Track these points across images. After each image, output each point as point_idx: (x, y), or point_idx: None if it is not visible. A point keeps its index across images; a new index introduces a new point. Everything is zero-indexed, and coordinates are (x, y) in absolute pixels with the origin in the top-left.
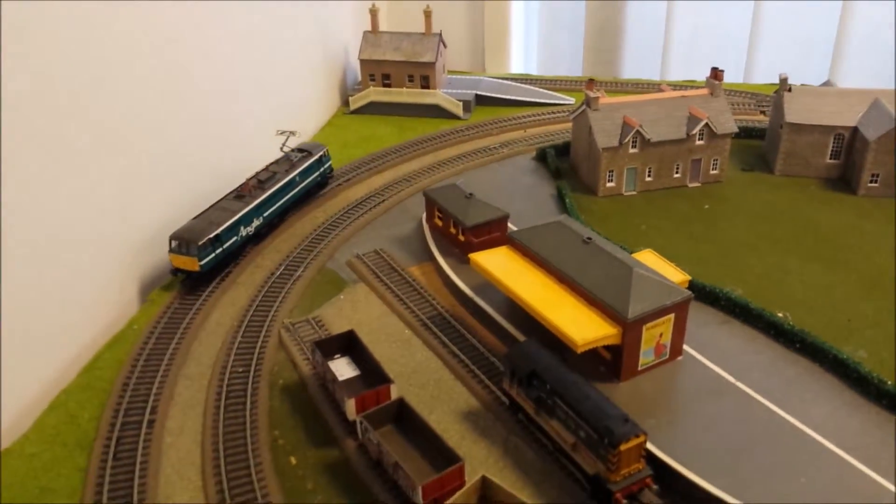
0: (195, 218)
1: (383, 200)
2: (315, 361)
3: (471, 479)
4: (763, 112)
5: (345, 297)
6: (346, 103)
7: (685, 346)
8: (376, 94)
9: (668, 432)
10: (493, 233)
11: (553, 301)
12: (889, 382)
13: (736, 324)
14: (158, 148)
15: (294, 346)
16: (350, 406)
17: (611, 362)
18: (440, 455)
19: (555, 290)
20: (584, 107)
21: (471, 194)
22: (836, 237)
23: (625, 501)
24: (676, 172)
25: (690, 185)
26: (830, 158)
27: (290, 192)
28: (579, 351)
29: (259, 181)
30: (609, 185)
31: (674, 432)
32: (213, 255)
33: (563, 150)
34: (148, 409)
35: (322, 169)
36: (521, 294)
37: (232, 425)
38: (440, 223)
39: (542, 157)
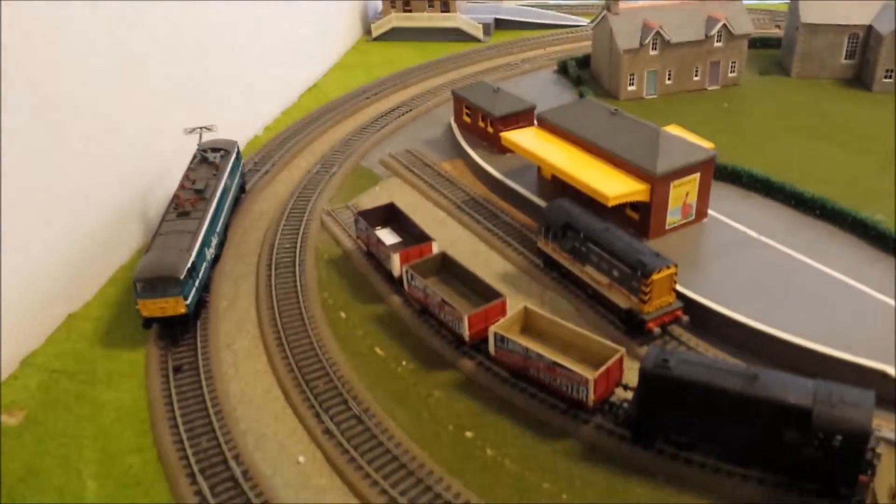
0: (149, 251)
1: (410, 110)
2: (359, 230)
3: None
4: (778, 26)
5: (380, 188)
6: (368, 32)
7: (710, 211)
8: (398, 19)
9: (697, 276)
10: (520, 123)
11: (583, 165)
12: None
13: (758, 198)
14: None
15: (336, 228)
16: (395, 261)
17: (639, 222)
18: (483, 296)
19: (584, 158)
20: (604, 13)
21: (498, 88)
22: (853, 125)
23: (657, 330)
24: (696, 75)
25: (709, 88)
26: (846, 59)
27: (227, 201)
28: (610, 204)
29: (196, 191)
30: (630, 88)
31: (702, 276)
32: (195, 289)
33: (584, 62)
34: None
35: (241, 170)
36: (552, 161)
37: (283, 288)
38: (468, 120)
39: (563, 69)
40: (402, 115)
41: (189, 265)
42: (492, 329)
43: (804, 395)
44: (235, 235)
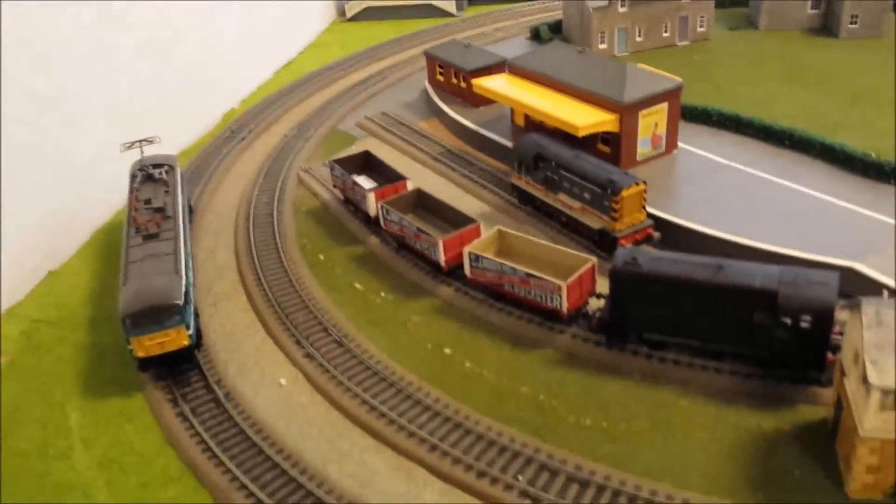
0: (127, 283)
1: (385, 78)
2: (335, 177)
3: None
4: None
5: (356, 147)
6: (342, 13)
7: (680, 144)
8: None
9: (668, 200)
10: (492, 76)
11: (553, 102)
12: (873, 155)
13: (728, 134)
14: None
15: (314, 183)
16: (370, 199)
17: (610, 155)
18: (458, 226)
19: (554, 96)
20: None
21: (468, 44)
22: (821, 69)
23: (628, 246)
24: (665, 31)
25: (680, 44)
26: (812, 9)
27: (186, 220)
28: (580, 134)
29: (156, 210)
30: (601, 46)
31: (673, 200)
32: (193, 316)
33: (556, 27)
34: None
35: (186, 186)
36: (523, 101)
37: (261, 237)
38: (442, 78)
39: (535, 34)
40: (377, 83)
41: (184, 289)
42: (466, 249)
43: (769, 279)
44: (213, 196)
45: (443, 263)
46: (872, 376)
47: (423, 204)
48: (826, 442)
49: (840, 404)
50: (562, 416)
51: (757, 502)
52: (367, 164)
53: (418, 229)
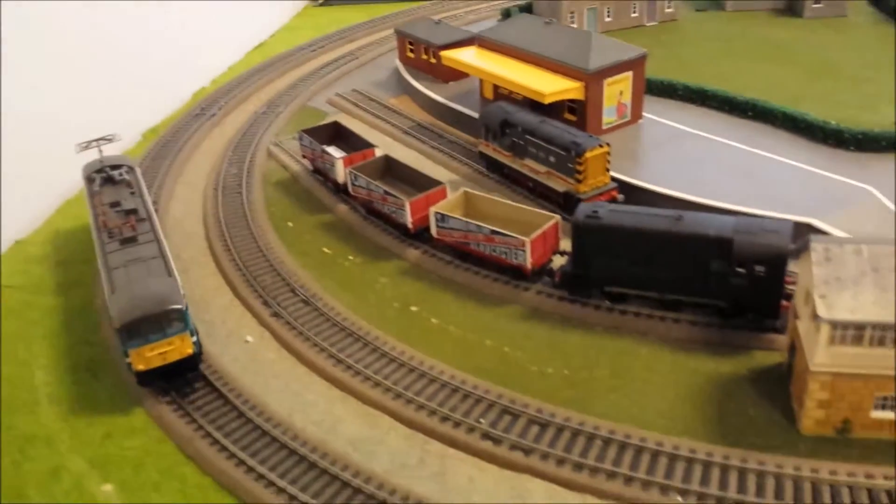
0: (116, 291)
1: (356, 58)
2: (304, 147)
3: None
4: None
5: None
6: None
7: (646, 114)
8: None
9: (634, 165)
10: None
11: (521, 72)
12: (833, 122)
13: (693, 107)
14: None
15: (283, 156)
16: (339, 166)
17: (576, 124)
18: (425, 188)
19: (522, 66)
20: None
21: (439, 21)
22: (784, 46)
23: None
24: (634, 12)
25: (648, 24)
26: None
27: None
28: (546, 101)
29: (128, 212)
30: (571, 26)
31: (638, 165)
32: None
33: (527, 8)
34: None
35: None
36: (491, 71)
37: (230, 206)
38: (412, 55)
39: (506, 15)
40: (348, 62)
41: (182, 292)
42: (433, 209)
43: (725, 228)
44: (183, 168)
45: (410, 225)
46: (822, 310)
47: (391, 170)
48: (781, 385)
49: (794, 349)
50: (525, 366)
51: (713, 440)
52: (337, 134)
53: (385, 192)
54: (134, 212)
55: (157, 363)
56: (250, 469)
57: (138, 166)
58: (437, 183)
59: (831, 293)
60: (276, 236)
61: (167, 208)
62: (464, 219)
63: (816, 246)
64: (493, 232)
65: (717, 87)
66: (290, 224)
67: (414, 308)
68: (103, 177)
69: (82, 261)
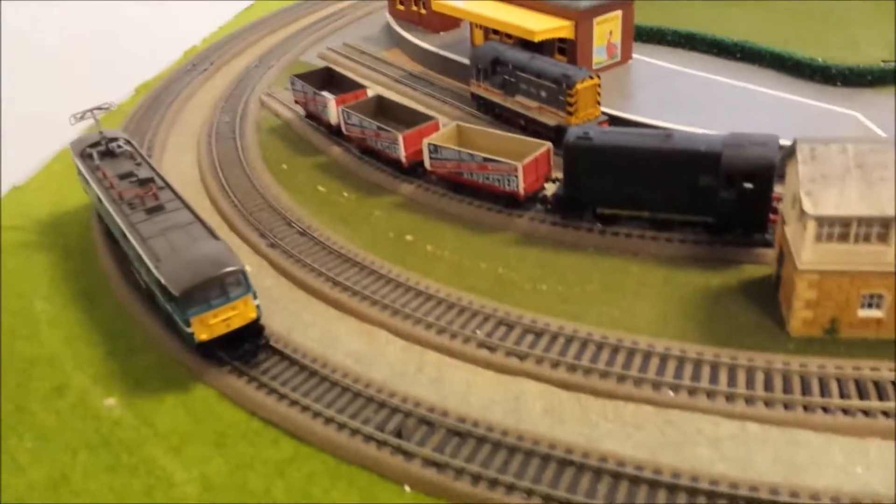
0: (162, 259)
1: (344, 16)
2: (296, 91)
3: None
4: None
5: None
6: None
7: (636, 55)
8: None
9: (624, 101)
10: None
11: (511, 13)
12: (819, 59)
13: (682, 51)
14: None
15: (276, 104)
16: (331, 106)
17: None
18: (418, 125)
19: (512, 8)
20: None
21: None
22: None
23: None
24: None
25: None
26: None
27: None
28: (536, 39)
29: (142, 181)
30: None
31: (629, 101)
32: None
33: None
34: (144, 150)
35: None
36: (481, 13)
37: (224, 151)
38: (402, 7)
39: None
40: (339, 19)
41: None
42: (425, 140)
43: (714, 143)
44: (175, 118)
45: (403, 160)
46: (807, 206)
47: (384, 110)
48: (770, 294)
49: (782, 258)
50: (519, 284)
51: (703, 343)
52: (329, 80)
53: (378, 127)
54: (151, 180)
55: (221, 331)
56: (252, 379)
57: (131, 127)
58: (429, 118)
59: (817, 190)
60: (271, 177)
61: (161, 156)
62: (456, 148)
63: (802, 145)
64: (486, 160)
65: (706, 32)
66: (284, 166)
67: (409, 237)
68: (100, 150)
69: (78, 201)
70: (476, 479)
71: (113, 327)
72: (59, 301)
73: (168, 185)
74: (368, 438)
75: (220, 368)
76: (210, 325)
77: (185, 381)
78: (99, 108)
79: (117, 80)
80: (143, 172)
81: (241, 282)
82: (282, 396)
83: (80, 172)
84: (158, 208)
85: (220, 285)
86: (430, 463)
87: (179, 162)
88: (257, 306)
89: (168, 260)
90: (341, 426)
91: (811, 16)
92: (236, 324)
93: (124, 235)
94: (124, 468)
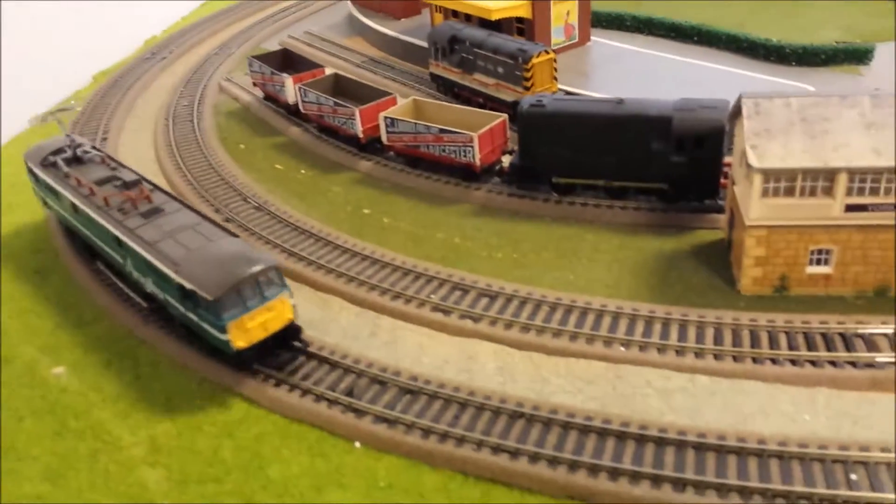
0: (184, 262)
1: (307, 6)
2: (254, 73)
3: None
4: None
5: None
6: None
7: (594, 38)
8: None
9: (582, 79)
10: None
11: None
12: (774, 40)
13: (641, 36)
14: None
15: (235, 89)
16: (289, 85)
17: None
18: (376, 100)
19: None
20: None
21: None
22: None
23: None
24: None
25: None
26: None
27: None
28: (493, 18)
29: (127, 184)
30: None
31: (587, 79)
32: None
33: None
34: (100, 133)
35: None
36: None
37: (182, 133)
38: None
39: None
40: (301, 9)
41: None
42: (382, 114)
43: (665, 107)
44: (133, 103)
45: (360, 135)
46: (752, 159)
47: (341, 87)
48: (722, 257)
49: (733, 221)
50: (475, 253)
51: (655, 302)
52: (287, 61)
53: (335, 103)
54: (138, 183)
55: (259, 335)
56: (203, 348)
57: (87, 112)
58: (386, 93)
59: (762, 144)
60: (229, 157)
61: (117, 138)
62: (412, 121)
63: (747, 101)
64: (442, 131)
65: (664, 16)
66: (241, 146)
67: (366, 210)
68: (66, 158)
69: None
70: (426, 432)
71: (63, 300)
72: (9, 276)
73: (157, 187)
74: (319, 398)
75: (168, 335)
76: (248, 329)
77: (135, 350)
78: (62, 110)
79: (75, 70)
80: (127, 175)
81: (276, 279)
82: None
83: (39, 184)
84: (155, 211)
85: (254, 285)
86: (380, 419)
87: (136, 143)
88: (293, 306)
89: (189, 263)
90: (292, 387)
91: (768, 5)
92: (274, 327)
93: (118, 243)
94: (71, 433)
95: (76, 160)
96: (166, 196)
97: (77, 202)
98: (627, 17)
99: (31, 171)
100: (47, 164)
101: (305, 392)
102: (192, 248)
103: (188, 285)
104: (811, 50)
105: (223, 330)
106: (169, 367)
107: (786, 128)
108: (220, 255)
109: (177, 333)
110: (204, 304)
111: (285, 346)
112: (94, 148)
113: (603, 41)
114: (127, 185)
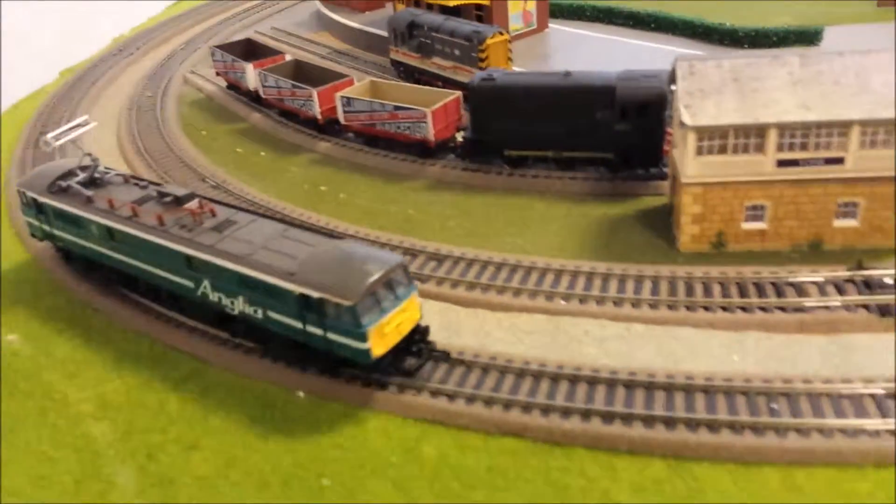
0: (302, 268)
1: (275, 5)
2: (216, 62)
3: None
4: None
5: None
6: None
7: (552, 25)
8: None
9: (540, 62)
10: None
11: None
12: (728, 24)
13: (601, 25)
14: None
15: (200, 80)
16: (249, 71)
17: None
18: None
19: None
20: None
21: None
22: None
23: None
24: None
25: None
26: None
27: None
28: (452, 4)
29: (178, 199)
30: None
31: (544, 61)
32: None
33: None
34: (63, 122)
35: None
36: None
37: (144, 122)
38: None
39: None
40: (269, 7)
41: None
42: (338, 94)
43: (609, 78)
44: (99, 95)
45: (319, 116)
46: (686, 118)
47: (302, 73)
48: (664, 220)
49: (675, 185)
50: (428, 223)
51: (598, 260)
52: (250, 50)
53: (294, 85)
54: (191, 197)
55: (394, 340)
56: (160, 315)
57: (52, 104)
58: (344, 76)
59: (695, 103)
60: (189, 142)
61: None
62: (368, 99)
63: (681, 62)
64: (396, 108)
65: (623, 4)
66: (203, 133)
67: (323, 188)
68: (82, 181)
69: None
70: (367, 382)
71: (22, 277)
72: None
73: (210, 199)
74: (264, 356)
75: (123, 304)
76: (385, 334)
77: (89, 319)
78: (79, 125)
79: (42, 67)
80: (175, 189)
81: (405, 278)
82: (180, 324)
83: (44, 214)
84: (227, 223)
85: (388, 285)
86: (323, 371)
87: (99, 132)
88: (420, 305)
89: (307, 271)
90: (236, 345)
91: None
92: (406, 329)
93: (187, 264)
94: (21, 393)
95: (94, 183)
96: (230, 207)
97: (115, 226)
98: (588, 7)
99: (31, 202)
100: (57, 191)
101: (250, 350)
102: (300, 256)
103: (314, 294)
104: (763, 32)
105: (363, 338)
106: (121, 332)
107: (718, 87)
108: (339, 258)
109: (130, 302)
110: (335, 313)
111: (413, 349)
112: (106, 169)
113: (562, 28)
114: (179, 200)
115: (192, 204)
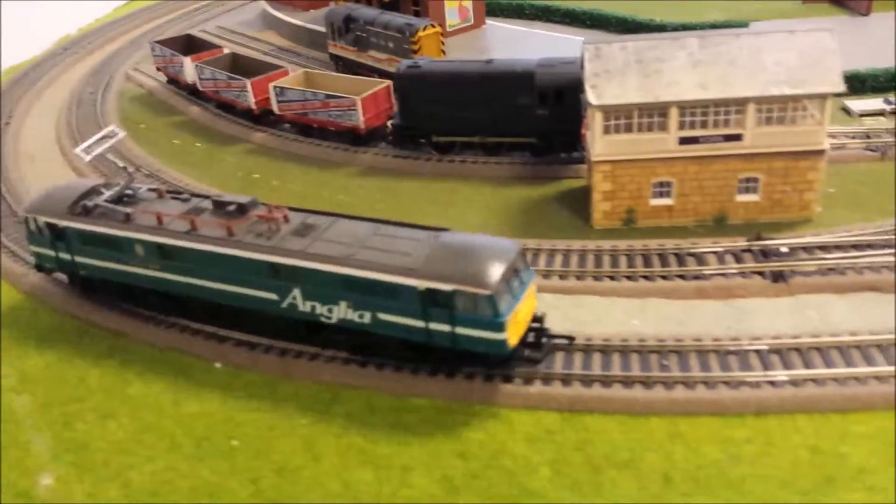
0: (417, 267)
1: (222, 5)
2: (157, 57)
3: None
4: None
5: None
6: None
7: (489, 21)
8: None
9: (475, 58)
10: None
11: None
12: (658, 19)
13: (539, 23)
14: None
15: (142, 77)
16: (187, 64)
17: None
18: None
19: None
20: None
21: None
22: None
23: None
24: None
25: None
26: None
27: None
28: None
29: (241, 206)
30: None
31: (480, 58)
32: None
33: None
34: (3, 119)
35: None
36: None
37: (84, 115)
38: None
39: None
40: (216, 7)
41: None
42: (271, 84)
43: (529, 65)
44: (41, 93)
45: (254, 106)
46: (592, 98)
47: (239, 66)
48: (582, 201)
49: (591, 167)
50: (357, 207)
51: (516, 237)
52: (190, 46)
53: (229, 77)
54: (256, 204)
55: (522, 329)
56: (81, 296)
57: None
58: (278, 67)
59: (601, 83)
60: (128, 135)
61: (21, 123)
62: (300, 88)
63: (588, 46)
64: (328, 96)
65: (560, 3)
66: (142, 126)
67: (256, 175)
68: (110, 199)
69: None
70: (282, 352)
71: None
72: None
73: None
74: (184, 329)
75: (53, 285)
76: (518, 322)
77: (16, 302)
78: (107, 137)
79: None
80: (234, 198)
81: (525, 263)
82: (101, 301)
83: (63, 240)
84: (307, 227)
85: (517, 272)
86: (241, 343)
87: (39, 127)
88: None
89: (430, 266)
90: (158, 322)
91: None
92: (529, 318)
93: (273, 273)
94: None
95: (124, 200)
96: (300, 211)
97: (170, 242)
98: (526, 5)
99: (46, 229)
100: (81, 212)
101: (171, 325)
102: (414, 251)
103: (445, 287)
104: (690, 27)
105: (501, 328)
106: (46, 313)
107: (622, 68)
108: (462, 248)
109: (54, 282)
110: (469, 305)
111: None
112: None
113: (499, 24)
114: (244, 208)
115: (261, 210)
